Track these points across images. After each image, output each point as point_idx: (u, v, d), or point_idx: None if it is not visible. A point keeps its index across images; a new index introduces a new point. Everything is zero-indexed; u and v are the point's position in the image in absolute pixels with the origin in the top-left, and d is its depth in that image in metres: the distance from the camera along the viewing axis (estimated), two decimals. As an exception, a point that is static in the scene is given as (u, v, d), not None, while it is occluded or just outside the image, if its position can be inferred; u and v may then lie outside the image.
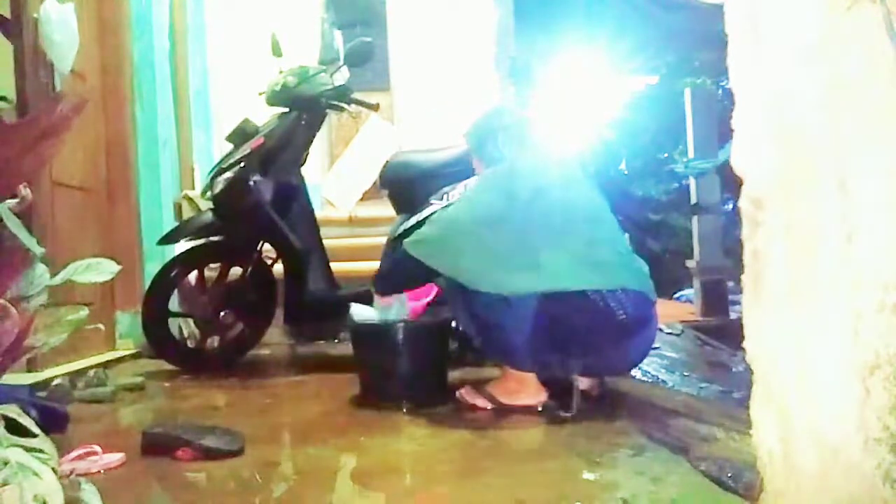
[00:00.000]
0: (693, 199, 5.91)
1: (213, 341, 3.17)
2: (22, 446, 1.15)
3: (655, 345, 4.33)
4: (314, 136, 3.18)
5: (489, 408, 2.14)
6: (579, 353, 2.07)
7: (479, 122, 2.42)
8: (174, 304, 3.19)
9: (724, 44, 1.04)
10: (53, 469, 1.13)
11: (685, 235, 6.40)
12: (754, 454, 1.02)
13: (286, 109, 3.09)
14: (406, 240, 2.25)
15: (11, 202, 1.45)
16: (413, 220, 2.99)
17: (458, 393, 2.21)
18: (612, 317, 2.03)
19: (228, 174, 3.01)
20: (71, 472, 1.49)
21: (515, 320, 2.06)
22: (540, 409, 2.10)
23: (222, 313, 3.07)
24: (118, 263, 1.56)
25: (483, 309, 2.10)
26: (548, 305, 2.05)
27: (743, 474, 1.37)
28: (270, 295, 3.16)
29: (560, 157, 2.33)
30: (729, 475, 1.42)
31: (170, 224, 3.56)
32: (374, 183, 3.03)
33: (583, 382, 2.29)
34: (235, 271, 3.10)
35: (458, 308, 2.22)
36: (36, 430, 1.22)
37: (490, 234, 2.09)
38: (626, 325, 2.05)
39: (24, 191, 1.55)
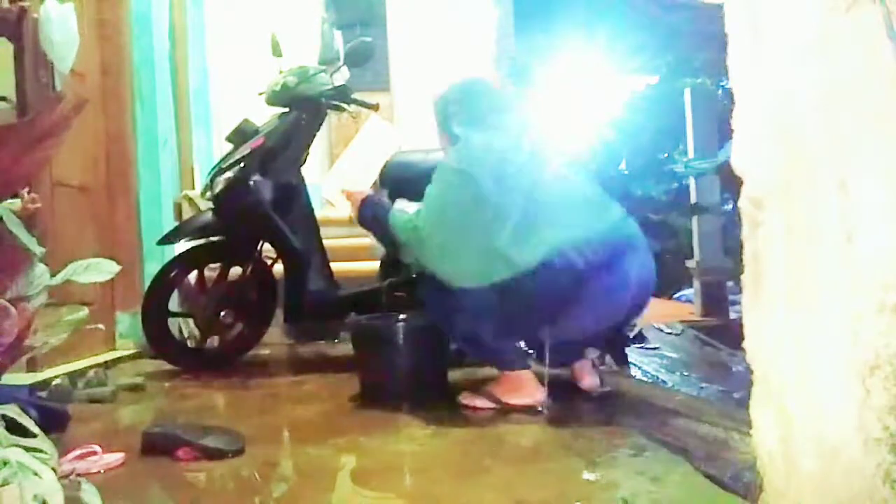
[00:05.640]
0: (693, 199, 5.90)
1: (213, 341, 3.17)
2: (22, 446, 1.15)
3: (655, 345, 4.34)
4: (314, 136, 3.18)
5: (489, 408, 2.14)
6: (563, 321, 2.06)
7: (448, 93, 2.35)
8: (174, 304, 3.19)
9: (724, 44, 1.04)
10: (53, 469, 1.14)
11: (685, 235, 6.39)
12: (754, 454, 1.02)
13: (286, 109, 3.09)
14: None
15: (12, 202, 1.45)
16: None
17: (458, 399, 2.21)
18: (576, 275, 2.01)
19: (228, 174, 3.01)
20: (71, 472, 1.49)
21: (491, 315, 2.07)
22: (540, 409, 2.11)
23: (222, 313, 3.07)
24: (118, 263, 1.56)
25: (455, 310, 2.11)
26: (510, 290, 2.03)
27: (743, 474, 1.37)
28: (270, 295, 3.16)
29: (525, 135, 2.23)
30: (729, 475, 1.42)
31: (170, 224, 3.56)
32: (374, 183, 3.02)
33: (583, 382, 2.30)
34: (235, 271, 3.10)
35: (435, 313, 2.22)
36: (36, 430, 1.22)
37: (447, 233, 2.10)
38: (595, 277, 2.02)
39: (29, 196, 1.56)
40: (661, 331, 4.68)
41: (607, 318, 2.18)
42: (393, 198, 3.16)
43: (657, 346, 4.35)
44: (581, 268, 2.01)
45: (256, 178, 2.98)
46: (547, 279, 2.01)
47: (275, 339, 3.57)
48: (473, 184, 2.09)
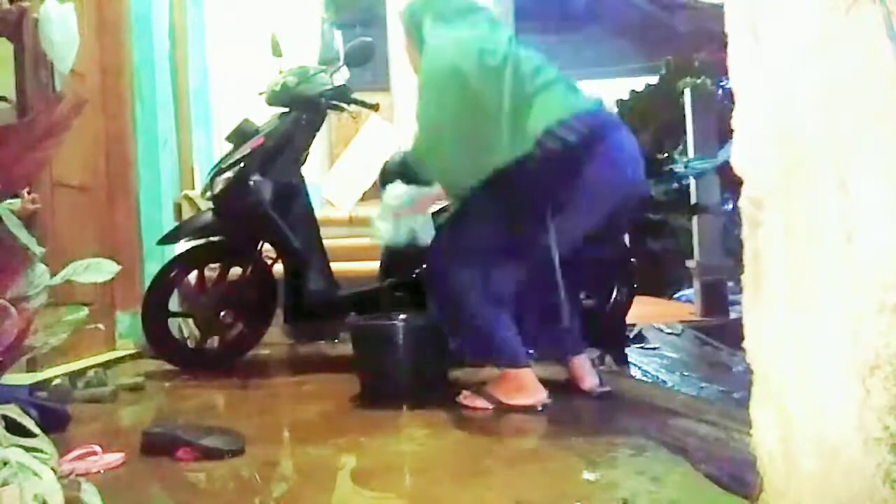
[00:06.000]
0: (693, 199, 5.90)
1: (213, 341, 3.17)
2: (22, 446, 1.15)
3: (654, 345, 4.34)
4: (314, 136, 3.18)
5: (489, 408, 2.14)
6: (569, 209, 2.06)
7: (414, 1, 2.31)
8: (174, 304, 3.19)
9: (723, 44, 1.04)
10: (53, 469, 1.13)
11: (685, 235, 6.39)
12: (754, 454, 1.02)
13: (286, 109, 3.09)
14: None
15: (12, 202, 1.45)
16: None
17: (458, 399, 2.20)
18: (571, 151, 2.01)
19: (228, 174, 3.01)
20: (71, 472, 1.49)
21: (497, 286, 2.09)
22: (540, 409, 2.11)
23: (222, 313, 3.07)
24: (118, 263, 1.56)
25: (457, 298, 2.12)
26: (512, 182, 2.04)
27: (743, 474, 1.37)
28: (270, 295, 3.16)
29: (498, 28, 2.23)
30: (729, 475, 1.42)
31: (170, 224, 3.56)
32: (374, 183, 3.03)
33: (584, 383, 2.30)
34: (235, 271, 3.10)
35: (439, 310, 2.22)
36: (36, 430, 1.22)
37: (444, 138, 2.10)
38: (589, 153, 2.03)
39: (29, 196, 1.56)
40: (661, 331, 4.67)
41: (609, 198, 2.14)
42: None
43: (657, 346, 4.34)
44: (574, 143, 2.02)
45: (256, 178, 2.98)
46: (544, 160, 2.02)
47: (275, 339, 3.57)
48: (454, 78, 2.07)
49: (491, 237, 2.11)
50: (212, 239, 3.08)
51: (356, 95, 3.16)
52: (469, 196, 2.15)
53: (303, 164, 3.19)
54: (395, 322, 2.42)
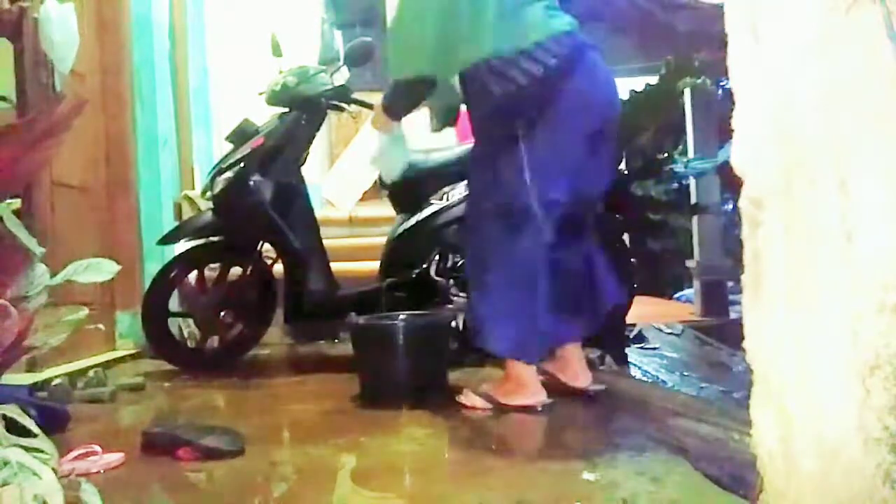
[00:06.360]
0: (693, 199, 5.90)
1: (213, 341, 3.17)
2: (22, 446, 1.15)
3: (655, 345, 4.34)
4: (314, 136, 3.18)
5: (489, 408, 2.14)
6: (546, 134, 2.04)
7: None
8: (174, 304, 3.19)
9: (723, 44, 1.04)
10: (53, 469, 1.14)
11: (685, 235, 6.38)
12: (754, 454, 1.02)
13: (286, 109, 3.10)
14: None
15: (12, 202, 1.45)
16: (413, 220, 2.99)
17: (457, 398, 2.20)
18: (547, 72, 2.02)
19: (228, 174, 3.02)
20: (71, 472, 1.49)
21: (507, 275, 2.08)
22: (540, 409, 2.10)
23: (222, 313, 3.07)
24: (118, 263, 1.56)
25: (482, 275, 2.12)
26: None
27: (743, 474, 1.37)
28: (270, 295, 3.16)
29: None
30: (729, 475, 1.42)
31: (170, 224, 3.56)
32: (374, 183, 3.03)
33: (578, 382, 2.29)
34: (235, 271, 3.10)
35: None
36: (36, 430, 1.22)
37: (424, 22, 2.09)
38: (566, 73, 2.04)
39: None
40: (661, 331, 4.67)
41: (587, 121, 2.11)
42: (393, 197, 3.17)
43: (657, 346, 4.34)
44: (551, 66, 2.02)
45: (256, 178, 2.98)
46: (525, 82, 2.02)
47: (275, 339, 3.57)
48: None
49: (493, 188, 2.11)
50: (212, 239, 3.08)
51: (356, 95, 3.16)
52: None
53: (303, 164, 3.19)
54: (395, 322, 2.42)
